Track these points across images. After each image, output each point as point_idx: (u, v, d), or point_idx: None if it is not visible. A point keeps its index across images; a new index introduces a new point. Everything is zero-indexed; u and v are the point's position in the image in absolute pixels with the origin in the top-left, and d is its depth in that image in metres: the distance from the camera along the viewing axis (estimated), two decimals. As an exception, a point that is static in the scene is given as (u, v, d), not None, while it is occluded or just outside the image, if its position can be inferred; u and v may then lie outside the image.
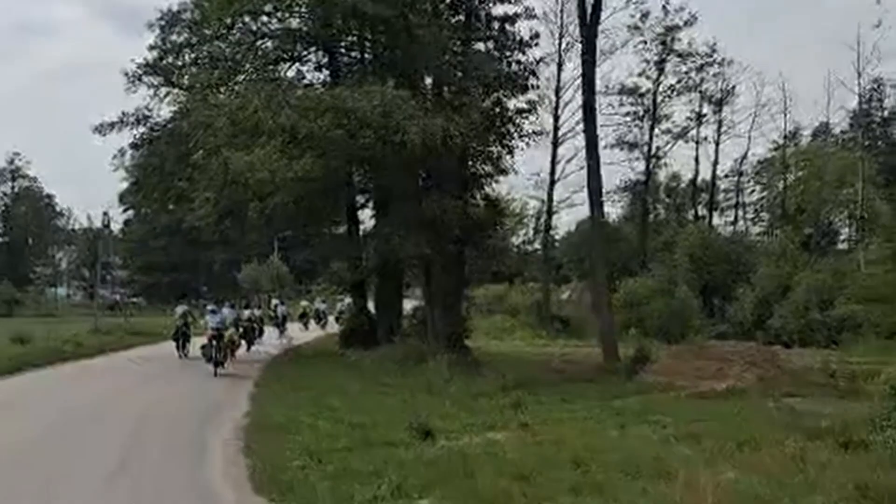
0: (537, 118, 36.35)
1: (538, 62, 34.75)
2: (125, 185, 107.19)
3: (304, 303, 65.98)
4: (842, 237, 77.55)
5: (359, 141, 29.54)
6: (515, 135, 34.57)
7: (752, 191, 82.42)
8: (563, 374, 30.77)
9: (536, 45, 34.28)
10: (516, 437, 18.18)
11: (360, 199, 39.75)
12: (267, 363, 34.97)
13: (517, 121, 34.59)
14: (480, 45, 34.48)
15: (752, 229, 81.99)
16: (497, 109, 33.66)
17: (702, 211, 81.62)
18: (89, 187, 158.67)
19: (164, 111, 38.12)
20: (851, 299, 54.04)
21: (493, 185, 35.93)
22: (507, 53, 33.80)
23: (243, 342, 36.82)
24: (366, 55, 36.92)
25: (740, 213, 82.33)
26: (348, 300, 66.17)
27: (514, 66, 33.93)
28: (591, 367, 32.35)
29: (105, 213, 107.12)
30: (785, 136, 76.20)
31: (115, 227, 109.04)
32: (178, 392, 25.64)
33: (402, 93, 28.56)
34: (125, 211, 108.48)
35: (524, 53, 33.94)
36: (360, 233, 39.87)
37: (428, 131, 28.06)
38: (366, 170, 33.80)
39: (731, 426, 20.15)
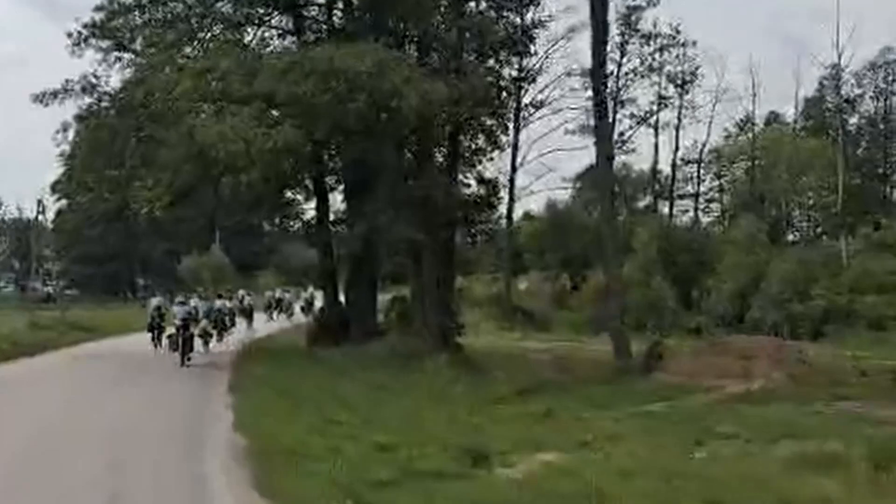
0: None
1: (537, 25, 30.74)
2: (61, 170, 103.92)
3: (268, 293, 62.63)
4: (802, 226, 75.12)
5: (347, 107, 25.24)
6: (511, 106, 30.58)
7: (703, 180, 79.80)
8: (574, 375, 26.92)
9: (538, 3, 30.28)
10: (584, 460, 14.39)
11: (330, 179, 35.32)
12: (233, 361, 30.70)
13: (512, 91, 30.59)
14: (473, 5, 30.27)
15: (703, 219, 79.31)
16: (492, 78, 29.55)
17: (650, 200, 79.08)
18: (19, 177, 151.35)
19: (115, 79, 33.34)
20: (832, 290, 51.24)
21: (486, 162, 31.79)
22: (505, 14, 29.72)
23: (214, 333, 35.29)
24: (336, 17, 32.46)
25: (692, 202, 79.63)
26: (312, 290, 63.25)
27: (511, 29, 29.86)
28: (601, 367, 28.56)
29: (39, 202, 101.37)
30: (742, 122, 73.81)
31: (47, 217, 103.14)
32: (144, 400, 21.27)
33: (397, 53, 24.41)
34: (58, 200, 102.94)
35: (522, 16, 29.93)
36: (330, 217, 35.47)
37: (427, 97, 24.02)
38: (352, 142, 29.31)
39: (816, 437, 16.55)
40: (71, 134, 33.15)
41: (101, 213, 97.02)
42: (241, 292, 52.38)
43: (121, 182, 34.70)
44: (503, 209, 65.57)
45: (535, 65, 29.39)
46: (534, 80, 31.36)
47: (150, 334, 34.01)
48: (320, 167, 33.62)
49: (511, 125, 31.32)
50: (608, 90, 63.49)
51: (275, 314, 56.74)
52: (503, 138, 30.55)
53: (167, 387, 24.08)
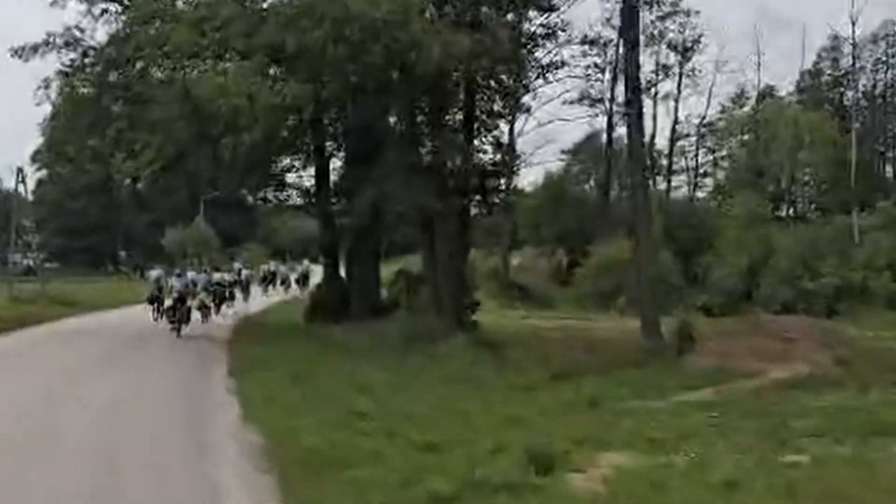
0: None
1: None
2: (41, 140, 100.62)
3: (263, 266, 61.59)
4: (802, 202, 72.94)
5: (361, 60, 22.57)
6: (531, 65, 27.94)
7: (696, 155, 77.66)
8: (602, 357, 24.43)
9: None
10: (665, 465, 11.99)
11: (331, 145, 32.66)
12: (230, 339, 28.32)
13: (533, 49, 27.99)
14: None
15: (697, 194, 77.10)
16: (514, 32, 26.89)
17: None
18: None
19: (101, 33, 30.54)
20: (843, 267, 48.98)
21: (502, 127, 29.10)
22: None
23: (213, 306, 34.67)
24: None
25: (685, 178, 77.58)
26: (307, 263, 62.75)
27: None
28: (627, 347, 26.10)
29: (20, 170, 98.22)
30: (738, 96, 71.62)
31: (26, 188, 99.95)
32: (136, 385, 18.74)
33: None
34: (38, 171, 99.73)
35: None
36: (331, 186, 32.80)
37: (449, 50, 21.42)
38: (362, 101, 26.60)
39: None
40: (53, 93, 30.01)
41: (83, 184, 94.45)
42: (236, 265, 51.45)
43: (103, 152, 31.71)
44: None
45: (556, 22, 26.84)
46: (555, 37, 28.30)
47: (150, 306, 33.49)
48: (321, 130, 30.98)
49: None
50: (608, 59, 61.39)
51: (270, 287, 55.56)
52: (522, 100, 27.74)
53: (161, 368, 21.65)
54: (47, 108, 31.98)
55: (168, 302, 30.22)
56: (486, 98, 27.06)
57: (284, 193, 32.66)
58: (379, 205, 27.83)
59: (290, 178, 33.06)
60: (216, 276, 38.10)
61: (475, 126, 27.12)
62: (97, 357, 23.35)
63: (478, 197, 27.65)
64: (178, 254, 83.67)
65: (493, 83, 26.47)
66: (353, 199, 30.04)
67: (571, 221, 60.50)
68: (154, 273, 36.01)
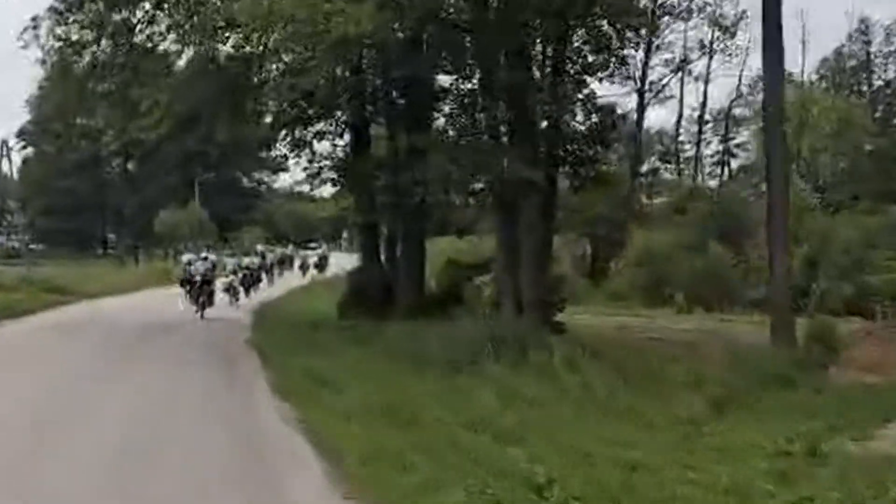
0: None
1: None
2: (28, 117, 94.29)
3: (279, 250, 61.36)
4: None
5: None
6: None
7: (710, 141, 72.46)
8: (743, 373, 18.75)
9: None
10: None
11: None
12: (258, 340, 22.69)
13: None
14: None
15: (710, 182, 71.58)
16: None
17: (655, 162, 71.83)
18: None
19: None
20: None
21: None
22: None
23: (241, 289, 35.32)
24: None
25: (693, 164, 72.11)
26: (325, 246, 64.16)
27: None
28: (763, 359, 20.42)
29: (4, 143, 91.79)
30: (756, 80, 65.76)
31: (11, 165, 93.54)
32: (154, 412, 13.04)
33: None
34: (24, 148, 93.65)
35: None
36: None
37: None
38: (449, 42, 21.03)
39: None
40: (43, 35, 24.24)
41: (72, 162, 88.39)
42: (259, 248, 51.32)
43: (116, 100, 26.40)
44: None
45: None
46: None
47: (182, 289, 31.73)
48: (361, 86, 25.36)
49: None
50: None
51: (285, 272, 53.66)
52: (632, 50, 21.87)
53: (183, 381, 15.96)
54: (32, 83, 25.93)
55: (194, 284, 29.58)
56: (584, 42, 21.21)
57: (315, 165, 26.68)
58: (440, 177, 22.15)
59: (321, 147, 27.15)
60: (245, 260, 39.05)
61: (565, 79, 21.24)
62: (97, 363, 17.68)
63: (569, 169, 21.74)
64: (169, 237, 78.19)
65: (591, 23, 20.62)
66: (401, 171, 24.44)
67: (599, 207, 54.63)
68: (185, 257, 34.78)
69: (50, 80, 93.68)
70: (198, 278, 29.19)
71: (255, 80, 24.92)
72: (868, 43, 69.67)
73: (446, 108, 25.03)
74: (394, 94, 25.94)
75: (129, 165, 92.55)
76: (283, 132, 26.18)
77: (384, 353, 19.26)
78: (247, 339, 23.36)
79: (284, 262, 55.29)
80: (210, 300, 29.35)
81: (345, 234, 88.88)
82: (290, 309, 32.40)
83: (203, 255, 32.40)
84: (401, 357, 18.42)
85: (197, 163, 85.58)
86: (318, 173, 26.58)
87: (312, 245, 72.58)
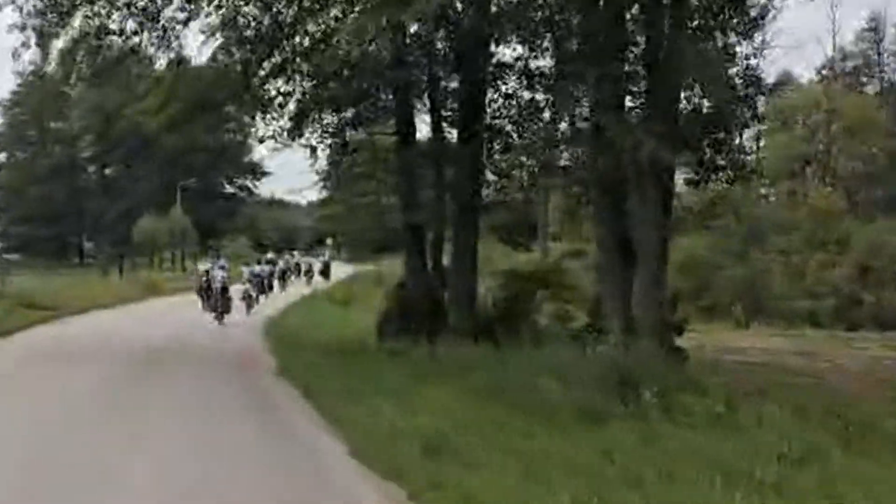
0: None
1: None
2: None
3: (286, 257, 57.47)
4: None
5: None
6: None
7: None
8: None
9: None
10: None
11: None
12: (295, 370, 17.86)
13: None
14: None
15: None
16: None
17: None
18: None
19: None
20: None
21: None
22: None
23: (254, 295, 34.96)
24: None
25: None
26: (328, 253, 62.07)
27: None
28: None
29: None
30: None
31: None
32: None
33: None
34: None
35: None
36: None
37: None
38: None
39: None
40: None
41: (50, 166, 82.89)
42: (268, 255, 49.59)
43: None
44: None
45: None
46: None
47: (199, 298, 33.31)
48: (406, 66, 20.56)
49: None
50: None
51: (292, 278, 51.43)
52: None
53: (220, 455, 10.84)
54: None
55: (213, 292, 29.84)
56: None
57: (350, 157, 21.83)
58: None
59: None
60: (256, 268, 38.73)
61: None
62: (97, 406, 12.59)
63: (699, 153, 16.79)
64: (150, 245, 73.01)
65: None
66: (452, 162, 19.81)
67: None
68: (201, 266, 36.28)
69: (24, 85, 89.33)
70: (217, 286, 29.25)
71: (278, 57, 20.07)
72: (881, 41, 65.59)
73: (507, 87, 20.45)
74: (440, 73, 21.12)
75: (107, 171, 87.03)
76: (310, 118, 21.19)
77: (475, 392, 14.37)
78: (279, 370, 18.52)
79: (293, 270, 53.28)
80: (227, 308, 29.34)
81: (329, 241, 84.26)
82: (310, 324, 27.69)
83: (220, 263, 32.49)
84: (501, 398, 13.58)
85: (178, 168, 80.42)
86: (352, 166, 21.70)
87: (294, 252, 68.10)
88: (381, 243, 78.80)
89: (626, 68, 15.96)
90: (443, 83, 21.50)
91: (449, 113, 21.72)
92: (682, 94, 15.90)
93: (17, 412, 13.01)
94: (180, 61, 20.51)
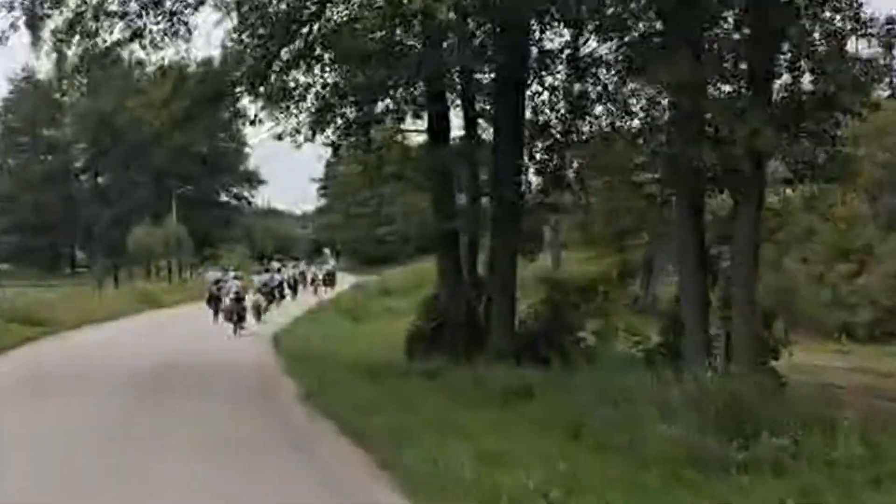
0: None
1: None
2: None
3: (292, 268, 54.59)
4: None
5: None
6: None
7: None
8: None
9: None
10: None
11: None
12: (325, 397, 15.55)
13: None
14: None
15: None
16: None
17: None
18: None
19: None
20: None
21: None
22: None
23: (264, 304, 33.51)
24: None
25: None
26: (333, 262, 61.28)
27: None
28: None
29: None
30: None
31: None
32: None
33: None
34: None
35: None
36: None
37: None
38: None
39: None
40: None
41: (41, 174, 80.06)
42: (274, 264, 47.85)
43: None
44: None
45: None
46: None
47: (209, 307, 32.93)
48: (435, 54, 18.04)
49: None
50: None
51: (299, 288, 49.60)
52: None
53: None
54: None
55: (226, 302, 29.51)
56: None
57: (376, 154, 19.35)
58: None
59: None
60: (267, 277, 37.16)
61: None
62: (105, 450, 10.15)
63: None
64: (144, 254, 70.38)
65: None
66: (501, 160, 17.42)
67: (628, 217, 46.78)
68: (210, 275, 36.06)
69: (15, 91, 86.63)
70: (231, 296, 28.98)
71: (299, 43, 17.71)
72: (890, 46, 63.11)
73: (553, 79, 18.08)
74: (475, 63, 18.62)
75: (100, 179, 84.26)
76: (333, 113, 18.72)
77: (546, 426, 11.97)
78: (304, 395, 16.05)
79: (300, 279, 51.60)
80: (243, 316, 29.05)
81: (326, 251, 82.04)
82: (325, 339, 25.26)
83: (231, 273, 32.85)
84: (585, 437, 11.20)
85: (173, 175, 77.79)
86: (380, 165, 19.28)
87: (299, 261, 65.86)
88: (380, 252, 76.56)
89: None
90: (476, 75, 19.00)
91: (485, 108, 19.26)
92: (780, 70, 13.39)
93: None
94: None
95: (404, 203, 66.45)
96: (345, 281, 57.57)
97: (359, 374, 18.19)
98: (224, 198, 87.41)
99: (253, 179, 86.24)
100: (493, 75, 18.66)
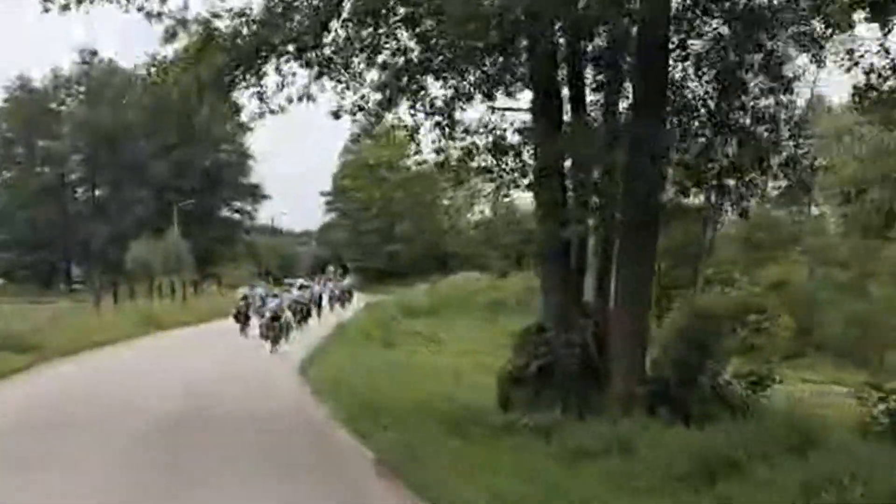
0: None
1: None
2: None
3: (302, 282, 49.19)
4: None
5: None
6: None
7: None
8: None
9: None
10: None
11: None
12: (379, 456, 11.52)
13: None
14: None
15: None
16: None
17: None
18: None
19: None
20: None
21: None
22: None
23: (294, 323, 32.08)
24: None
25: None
26: (349, 278, 58.59)
27: None
28: None
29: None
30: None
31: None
32: None
33: None
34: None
35: None
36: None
37: None
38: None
39: None
40: None
41: (34, 191, 75.15)
42: (300, 280, 47.93)
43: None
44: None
45: None
46: None
47: (237, 323, 32.55)
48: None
49: None
50: None
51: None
52: None
53: None
54: None
55: (264, 320, 28.63)
56: None
57: (461, 142, 14.43)
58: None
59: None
60: (297, 293, 37.36)
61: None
62: None
63: None
64: (142, 271, 65.28)
65: None
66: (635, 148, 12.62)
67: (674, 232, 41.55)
68: (241, 291, 35.37)
69: (10, 100, 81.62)
70: (268, 314, 28.32)
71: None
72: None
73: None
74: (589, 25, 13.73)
75: (98, 192, 79.27)
76: (408, 87, 13.84)
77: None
78: (390, 471, 11.16)
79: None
80: (279, 335, 27.81)
81: (330, 268, 77.45)
82: (366, 373, 20.32)
83: (259, 290, 33.66)
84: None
85: (172, 189, 73.12)
86: (471, 153, 14.40)
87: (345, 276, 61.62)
88: (390, 269, 71.80)
89: None
90: (583, 43, 14.10)
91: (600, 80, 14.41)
92: None
93: None
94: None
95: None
96: (356, 299, 52.74)
97: (440, 428, 13.36)
98: (226, 213, 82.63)
99: (257, 194, 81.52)
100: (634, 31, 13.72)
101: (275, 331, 27.54)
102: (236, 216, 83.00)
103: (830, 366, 26.75)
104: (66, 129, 76.53)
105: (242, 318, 32.19)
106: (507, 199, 22.45)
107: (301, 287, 41.62)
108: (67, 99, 78.66)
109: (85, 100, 76.85)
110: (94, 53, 77.62)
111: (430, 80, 14.11)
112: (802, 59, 13.68)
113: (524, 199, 19.23)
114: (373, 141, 75.75)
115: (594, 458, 11.29)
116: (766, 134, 13.49)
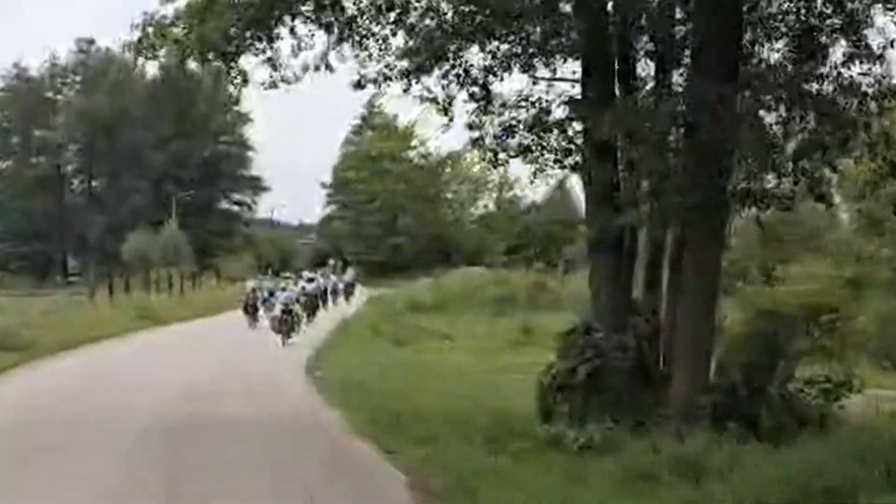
0: None
1: None
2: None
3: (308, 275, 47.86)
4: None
5: None
6: None
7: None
8: None
9: None
10: None
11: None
12: (423, 485, 9.36)
13: None
14: None
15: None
16: None
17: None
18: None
19: None
20: None
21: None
22: None
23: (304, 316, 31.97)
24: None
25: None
26: (353, 271, 55.44)
27: None
28: None
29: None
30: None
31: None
32: None
33: None
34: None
35: None
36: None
37: None
38: None
39: None
40: None
41: (30, 179, 73.40)
42: (306, 274, 46.43)
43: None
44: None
45: None
46: None
47: (246, 315, 33.15)
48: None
49: None
50: None
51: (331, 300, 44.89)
52: None
53: None
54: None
55: (275, 313, 28.60)
56: None
57: (500, 117, 12.53)
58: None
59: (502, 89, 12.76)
60: (307, 286, 36.77)
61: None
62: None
63: None
64: (140, 263, 63.47)
65: None
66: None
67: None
68: (250, 283, 36.57)
69: (6, 89, 79.67)
70: (279, 307, 28.44)
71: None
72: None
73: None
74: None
75: (94, 183, 77.36)
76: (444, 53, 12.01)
77: None
78: (422, 497, 9.32)
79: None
80: (291, 328, 27.78)
81: (331, 261, 75.60)
82: (382, 375, 18.60)
83: (267, 283, 34.69)
84: None
85: (171, 179, 71.39)
86: (511, 129, 12.54)
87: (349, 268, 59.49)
88: (392, 262, 69.96)
89: None
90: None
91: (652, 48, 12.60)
92: None
93: None
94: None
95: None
96: (358, 293, 51.03)
97: (480, 443, 11.53)
98: (225, 205, 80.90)
99: (256, 186, 79.82)
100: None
101: (287, 324, 27.41)
102: (235, 208, 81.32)
103: (867, 367, 24.84)
104: (63, 118, 74.52)
105: (251, 310, 32.86)
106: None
107: (309, 280, 40.67)
108: (64, 88, 76.70)
109: (82, 89, 74.92)
110: (91, 42, 75.87)
111: (464, 45, 12.25)
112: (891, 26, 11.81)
113: (523, 195, 17.36)
114: (375, 132, 74.88)
115: (659, 482, 9.54)
116: (851, 106, 11.61)
